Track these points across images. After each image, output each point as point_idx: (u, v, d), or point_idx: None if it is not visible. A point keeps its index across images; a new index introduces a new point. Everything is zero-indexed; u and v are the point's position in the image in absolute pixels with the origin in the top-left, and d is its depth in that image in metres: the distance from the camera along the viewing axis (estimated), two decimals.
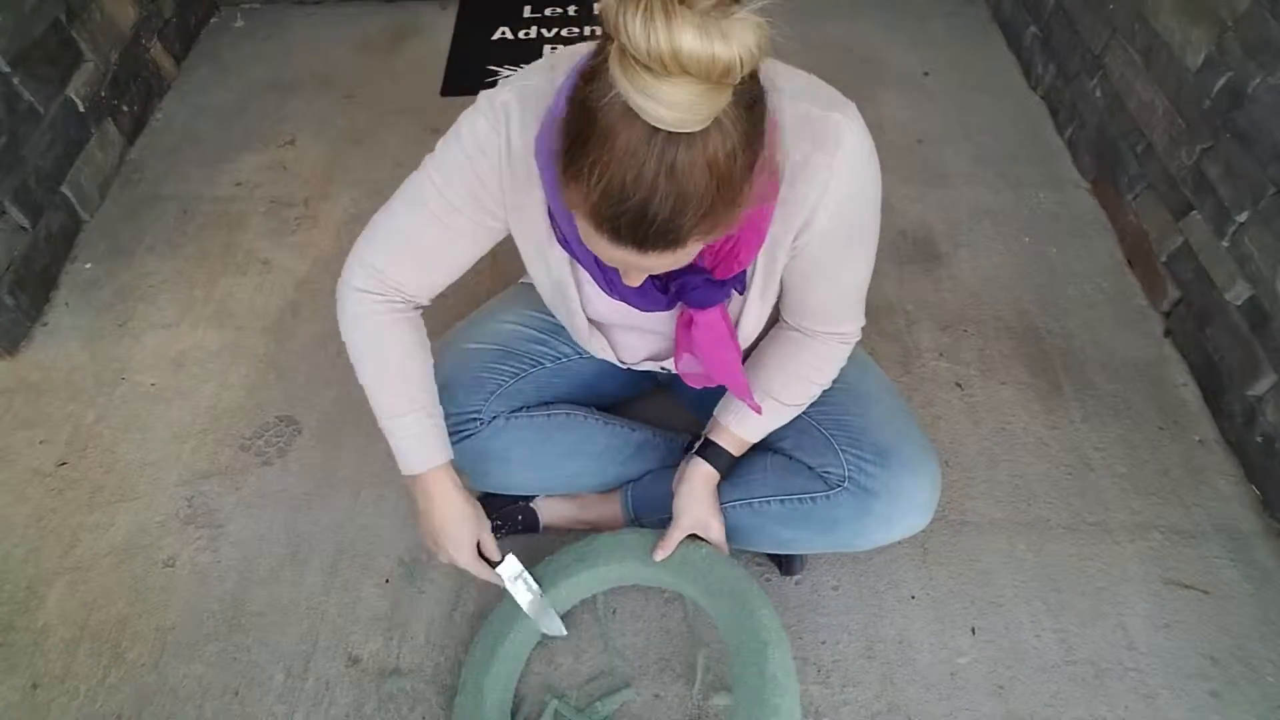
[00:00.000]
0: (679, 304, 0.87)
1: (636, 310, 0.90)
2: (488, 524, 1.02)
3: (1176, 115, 1.47)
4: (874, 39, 2.19)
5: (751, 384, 0.96)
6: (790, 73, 0.77)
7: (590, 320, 0.98)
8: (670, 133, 0.55)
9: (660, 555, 1.03)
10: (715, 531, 1.05)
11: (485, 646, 1.08)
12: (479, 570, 1.02)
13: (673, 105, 0.52)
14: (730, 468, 1.04)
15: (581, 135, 0.58)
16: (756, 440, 1.02)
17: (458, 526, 0.98)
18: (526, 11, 2.38)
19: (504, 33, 2.29)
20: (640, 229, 0.60)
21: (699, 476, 1.03)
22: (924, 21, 2.25)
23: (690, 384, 0.99)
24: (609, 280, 0.84)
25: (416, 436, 0.94)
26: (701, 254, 0.80)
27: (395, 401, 0.93)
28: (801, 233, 0.80)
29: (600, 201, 0.59)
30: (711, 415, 1.04)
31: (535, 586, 1.07)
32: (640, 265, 0.66)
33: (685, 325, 0.89)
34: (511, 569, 1.05)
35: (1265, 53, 1.25)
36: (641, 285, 0.82)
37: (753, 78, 0.59)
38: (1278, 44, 1.23)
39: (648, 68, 0.52)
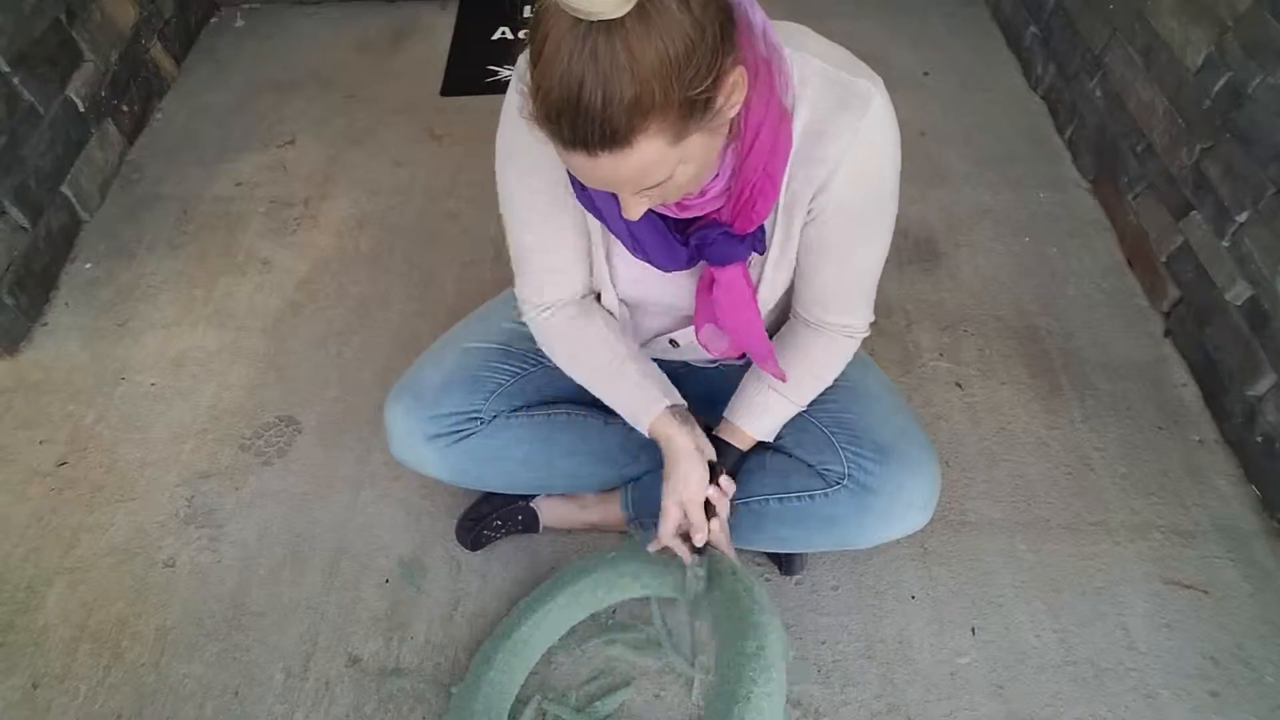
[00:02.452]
0: (699, 264, 0.87)
1: (660, 278, 0.90)
2: (702, 493, 0.96)
3: (1176, 115, 1.47)
4: (874, 39, 2.19)
5: (762, 379, 0.96)
6: (824, 41, 0.78)
7: (619, 300, 0.99)
8: (591, 23, 0.57)
9: (655, 547, 1.01)
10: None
11: (499, 640, 1.07)
12: (672, 543, 0.98)
13: None
14: (737, 467, 1.03)
15: (529, 45, 0.61)
16: (768, 438, 1.01)
17: (671, 489, 0.96)
18: (526, 11, 2.38)
19: (504, 33, 2.30)
20: (578, 125, 0.61)
21: None
22: (924, 21, 2.25)
23: (711, 354, 0.99)
24: (633, 236, 0.84)
25: (630, 400, 0.98)
26: (720, 210, 0.80)
27: (603, 387, 0.99)
28: (819, 193, 0.80)
29: (542, 103, 0.61)
30: (719, 413, 1.04)
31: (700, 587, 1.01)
32: (600, 175, 0.66)
33: (706, 288, 0.89)
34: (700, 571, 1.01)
35: (1265, 53, 1.25)
36: (661, 238, 0.83)
37: None
38: (1278, 44, 1.23)
39: None
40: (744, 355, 0.98)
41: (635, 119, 0.60)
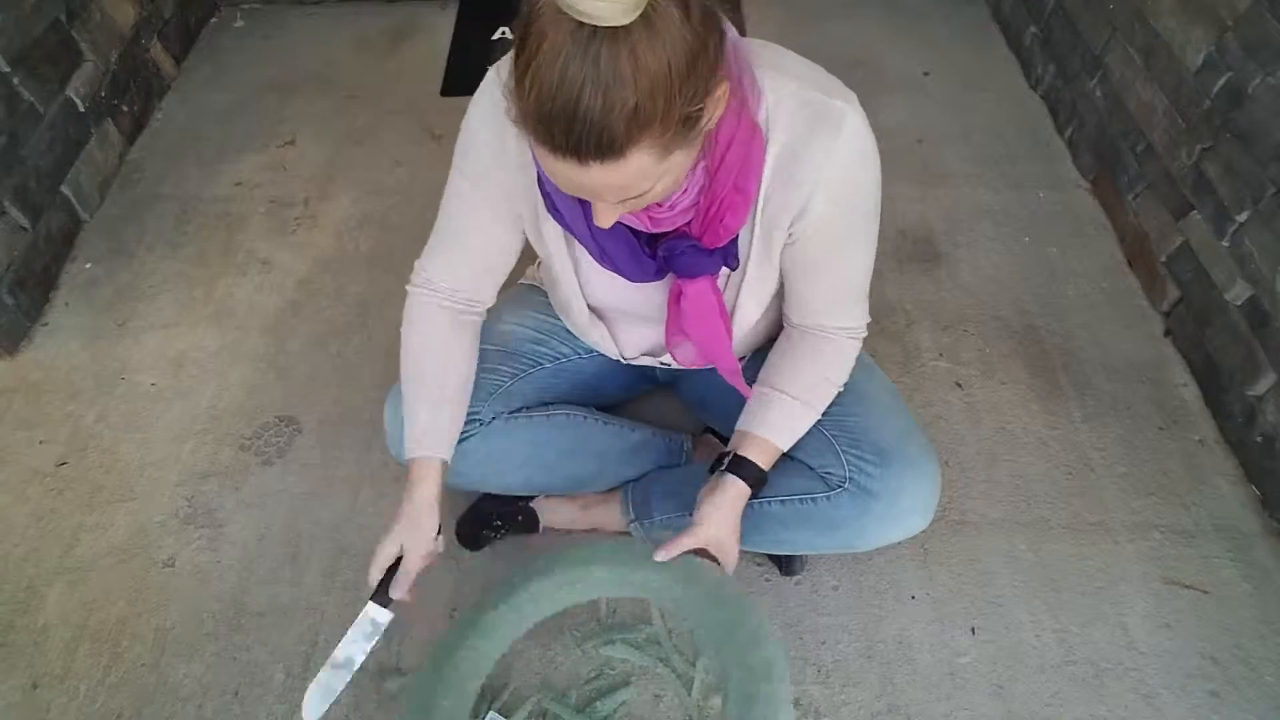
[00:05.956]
0: (669, 276, 0.87)
1: (630, 287, 0.90)
2: (424, 549, 0.96)
3: (1176, 115, 1.47)
4: (874, 39, 2.19)
5: (775, 388, 0.94)
6: (799, 60, 0.78)
7: (590, 308, 0.99)
8: (596, 28, 0.56)
9: (662, 556, 0.96)
10: (730, 556, 0.98)
11: (457, 633, 1.04)
12: (371, 578, 0.96)
13: None
14: (761, 484, 0.97)
15: (520, 45, 0.60)
16: (787, 447, 0.97)
17: (398, 529, 0.94)
18: None
19: (504, 33, 2.29)
20: (573, 132, 0.59)
21: (732, 492, 0.95)
22: (924, 21, 2.25)
23: (680, 363, 0.99)
24: (600, 247, 0.84)
25: (417, 425, 0.96)
26: (689, 223, 0.80)
27: (412, 391, 0.96)
28: (799, 218, 0.80)
29: (535, 107, 0.60)
30: (710, 415, 1.04)
31: (362, 659, 0.99)
32: (586, 184, 0.65)
33: (675, 300, 0.89)
34: (378, 620, 0.98)
35: (1265, 53, 1.25)
36: (630, 250, 0.83)
37: None
38: (1278, 44, 1.23)
39: None
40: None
41: (633, 130, 0.60)
